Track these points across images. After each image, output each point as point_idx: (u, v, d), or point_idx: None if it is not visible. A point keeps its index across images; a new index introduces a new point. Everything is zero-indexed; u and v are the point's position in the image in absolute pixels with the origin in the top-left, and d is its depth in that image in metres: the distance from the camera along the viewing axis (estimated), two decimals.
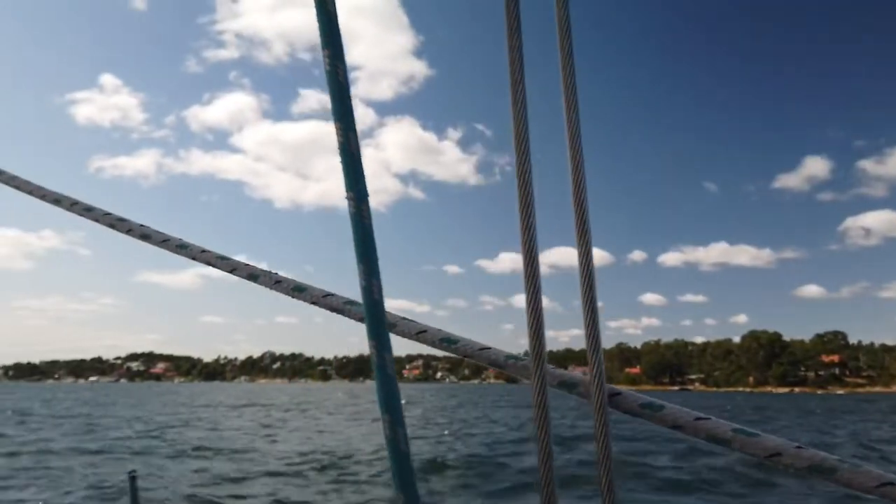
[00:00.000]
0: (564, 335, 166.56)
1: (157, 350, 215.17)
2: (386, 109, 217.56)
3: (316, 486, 10.75)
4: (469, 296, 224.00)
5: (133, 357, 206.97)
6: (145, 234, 1.04)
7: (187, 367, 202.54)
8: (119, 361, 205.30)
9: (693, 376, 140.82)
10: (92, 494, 9.79)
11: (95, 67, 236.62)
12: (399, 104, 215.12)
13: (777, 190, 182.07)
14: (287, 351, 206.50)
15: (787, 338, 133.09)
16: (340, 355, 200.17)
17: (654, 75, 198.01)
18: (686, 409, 0.73)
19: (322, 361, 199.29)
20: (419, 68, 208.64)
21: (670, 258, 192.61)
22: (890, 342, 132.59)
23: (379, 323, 0.59)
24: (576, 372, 0.79)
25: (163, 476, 11.46)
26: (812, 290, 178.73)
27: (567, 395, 0.78)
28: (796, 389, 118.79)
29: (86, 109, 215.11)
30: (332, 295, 0.88)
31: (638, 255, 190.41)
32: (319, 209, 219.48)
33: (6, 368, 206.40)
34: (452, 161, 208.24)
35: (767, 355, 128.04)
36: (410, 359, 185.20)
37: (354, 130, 0.60)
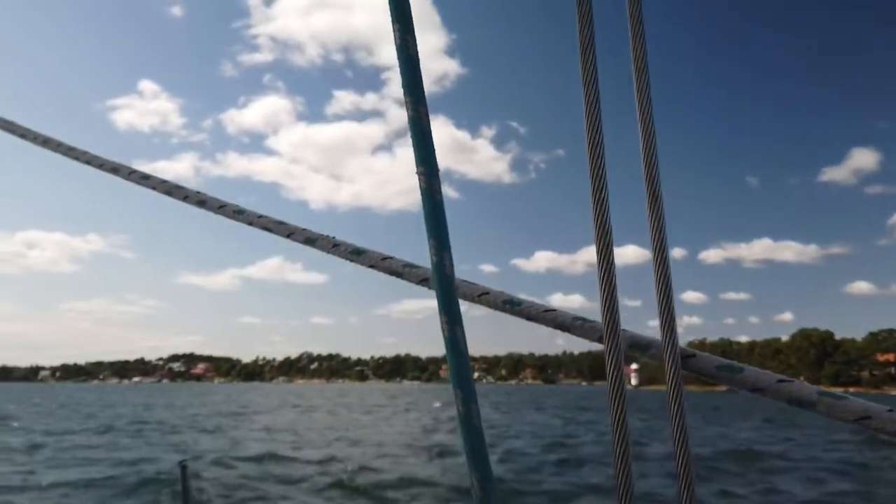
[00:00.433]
0: None
1: (198, 351, 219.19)
2: None
3: None
4: None
5: (174, 358, 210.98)
6: (202, 201, 1.02)
7: (227, 368, 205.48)
8: (161, 362, 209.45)
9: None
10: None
11: (135, 73, 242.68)
12: (432, 103, 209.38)
13: (823, 183, 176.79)
14: (323, 351, 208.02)
15: (837, 336, 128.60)
16: (376, 356, 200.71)
17: (693, 68, 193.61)
18: (767, 372, 0.68)
19: (359, 362, 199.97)
20: (452, 67, 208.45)
21: (711, 255, 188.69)
22: None
23: (451, 298, 0.59)
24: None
25: None
26: (861, 286, 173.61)
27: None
28: (850, 389, 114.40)
29: (126, 115, 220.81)
30: (391, 258, 0.86)
31: (678, 253, 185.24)
32: (353, 210, 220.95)
33: (54, 369, 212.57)
34: (486, 159, 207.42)
35: (819, 354, 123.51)
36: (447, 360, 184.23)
37: (425, 104, 0.60)
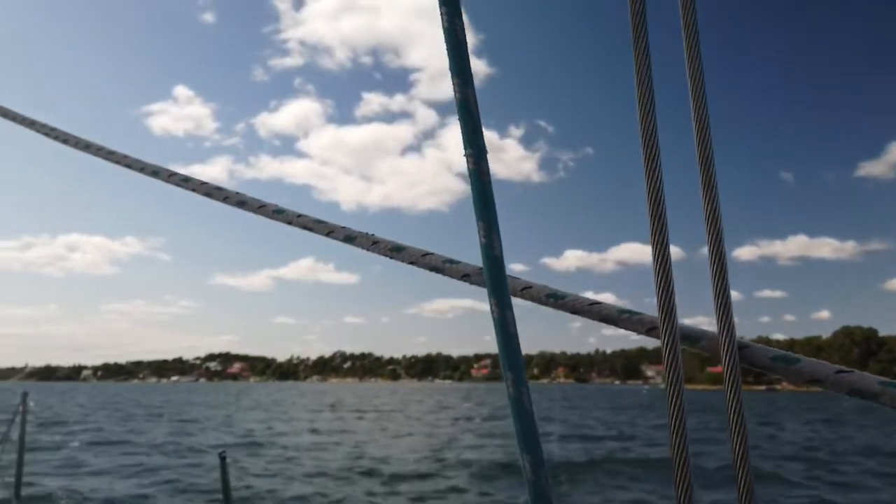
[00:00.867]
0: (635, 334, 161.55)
1: (234, 350, 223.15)
2: (447, 110, 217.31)
3: None
4: None
5: (211, 357, 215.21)
6: (241, 201, 1.03)
7: (262, 367, 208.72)
8: (198, 362, 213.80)
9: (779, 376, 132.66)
10: None
11: (169, 79, 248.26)
12: None
13: (860, 178, 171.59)
14: (356, 351, 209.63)
15: (881, 334, 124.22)
16: (408, 355, 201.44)
17: (726, 61, 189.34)
18: (824, 362, 0.66)
19: (391, 361, 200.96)
20: (479, 67, 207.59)
21: (745, 252, 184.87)
22: None
23: (500, 281, 0.59)
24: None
25: None
26: None
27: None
28: None
29: (161, 120, 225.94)
30: (431, 253, 0.86)
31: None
32: (384, 210, 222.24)
33: (95, 369, 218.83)
34: (515, 159, 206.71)
35: (862, 352, 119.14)
36: (479, 358, 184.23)
37: (472, 87, 0.59)
